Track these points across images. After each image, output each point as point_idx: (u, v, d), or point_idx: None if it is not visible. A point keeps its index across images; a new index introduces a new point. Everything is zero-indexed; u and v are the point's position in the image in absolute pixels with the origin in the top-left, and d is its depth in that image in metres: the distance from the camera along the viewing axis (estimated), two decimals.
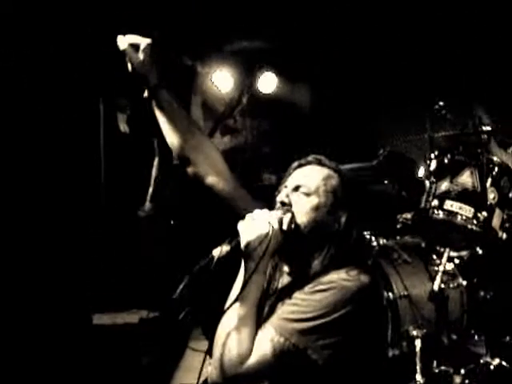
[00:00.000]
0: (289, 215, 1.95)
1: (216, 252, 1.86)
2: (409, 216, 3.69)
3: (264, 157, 5.55)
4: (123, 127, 4.58)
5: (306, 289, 1.89)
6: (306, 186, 1.99)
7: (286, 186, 2.05)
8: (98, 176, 4.42)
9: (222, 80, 5.30)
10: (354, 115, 5.27)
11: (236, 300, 1.85)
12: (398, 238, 3.85)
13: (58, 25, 3.96)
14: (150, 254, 3.95)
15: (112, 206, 4.54)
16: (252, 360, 1.80)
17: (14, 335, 3.94)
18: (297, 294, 1.90)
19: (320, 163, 2.06)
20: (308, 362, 1.81)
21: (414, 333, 3.31)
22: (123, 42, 2.01)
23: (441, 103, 3.44)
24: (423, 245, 3.68)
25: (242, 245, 1.87)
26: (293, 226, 1.95)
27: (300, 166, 2.08)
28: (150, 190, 4.12)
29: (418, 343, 3.28)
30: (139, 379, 4.06)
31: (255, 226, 1.88)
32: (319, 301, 1.84)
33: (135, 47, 2.02)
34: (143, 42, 2.03)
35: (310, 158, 2.08)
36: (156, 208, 4.01)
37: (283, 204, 1.99)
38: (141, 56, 2.03)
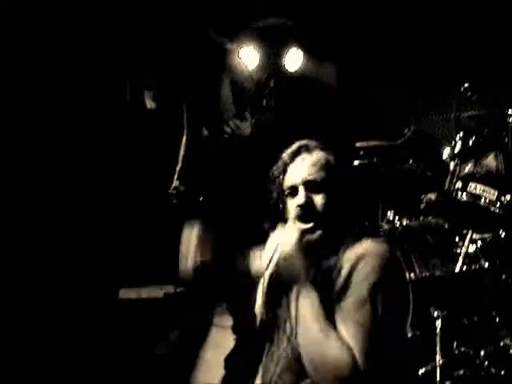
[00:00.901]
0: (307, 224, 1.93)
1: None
2: (433, 197, 3.69)
3: (290, 135, 5.52)
4: (150, 104, 4.62)
5: (342, 273, 1.88)
6: (313, 182, 1.95)
7: (290, 186, 2.00)
8: (124, 155, 4.48)
9: (248, 56, 5.29)
10: (380, 94, 5.23)
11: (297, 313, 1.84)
12: (421, 218, 3.84)
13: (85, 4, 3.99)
14: (179, 232, 4.00)
15: (139, 184, 4.61)
16: (362, 360, 1.75)
17: (43, 310, 4.06)
18: (337, 284, 1.88)
19: (308, 149, 2.01)
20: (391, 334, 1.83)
21: (435, 313, 3.33)
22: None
23: (466, 84, 3.41)
24: (446, 226, 3.67)
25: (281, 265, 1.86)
26: (315, 230, 1.93)
27: (293, 157, 2.02)
28: (178, 168, 4.16)
29: (438, 324, 3.30)
30: (165, 355, 4.15)
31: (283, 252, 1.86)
32: (361, 279, 1.83)
33: None
34: None
35: (300, 147, 2.02)
36: (184, 186, 4.06)
37: (301, 207, 1.94)
38: None
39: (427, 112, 4.73)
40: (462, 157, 3.45)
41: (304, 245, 1.88)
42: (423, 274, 3.40)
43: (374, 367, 1.76)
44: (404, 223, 3.68)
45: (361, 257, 1.87)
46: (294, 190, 1.98)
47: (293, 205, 1.97)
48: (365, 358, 1.75)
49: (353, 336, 1.78)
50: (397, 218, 3.67)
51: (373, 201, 2.12)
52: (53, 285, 4.18)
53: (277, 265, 1.85)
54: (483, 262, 3.50)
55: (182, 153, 4.08)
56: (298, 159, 2.00)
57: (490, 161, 3.35)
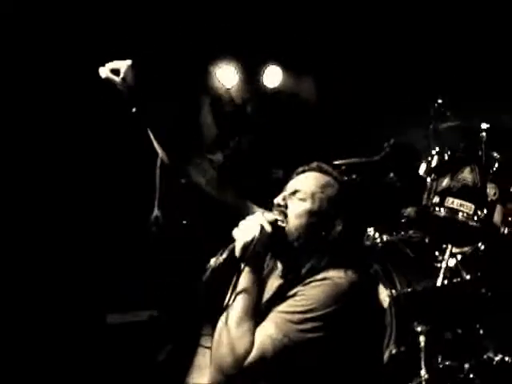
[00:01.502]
0: (280, 217, 2.03)
1: (213, 261, 1.96)
2: (412, 211, 3.71)
3: (270, 151, 5.55)
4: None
5: (301, 284, 1.96)
6: (303, 191, 2.07)
7: (285, 190, 2.12)
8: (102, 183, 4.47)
9: (227, 75, 5.30)
10: (359, 108, 5.26)
11: (233, 298, 1.93)
12: (402, 233, 3.87)
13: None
14: (162, 255, 3.99)
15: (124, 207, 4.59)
16: (253, 357, 1.84)
17: (31, 335, 4.04)
18: (293, 289, 1.96)
19: (321, 170, 2.14)
20: (304, 357, 1.86)
21: (419, 328, 3.35)
22: (104, 70, 2.08)
23: (440, 100, 3.45)
24: (427, 240, 3.69)
25: (237, 248, 1.95)
26: (285, 227, 2.02)
27: (302, 171, 2.16)
28: (156, 197, 4.12)
29: (422, 339, 3.32)
30: (152, 377, 4.13)
31: (247, 228, 1.97)
32: (313, 295, 1.90)
33: (116, 72, 2.08)
34: (123, 65, 2.08)
35: (312, 165, 2.16)
36: (165, 214, 4.03)
37: (279, 205, 2.07)
38: (123, 78, 2.08)
39: (406, 125, 4.74)
40: (438, 172, 3.47)
41: (267, 232, 1.96)
42: (405, 290, 3.41)
43: (256, 372, 1.84)
44: (384, 239, 3.70)
45: (328, 282, 1.93)
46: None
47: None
48: (252, 367, 1.83)
49: (264, 335, 1.85)
50: (377, 234, 3.68)
51: (352, 222, 2.12)
52: (39, 311, 4.16)
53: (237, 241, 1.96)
54: (464, 275, 3.53)
55: (157, 183, 4.05)
56: (306, 174, 2.14)
57: (466, 175, 3.38)
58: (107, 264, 4.58)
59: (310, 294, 1.92)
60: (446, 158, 3.48)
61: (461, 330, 3.46)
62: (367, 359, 2.09)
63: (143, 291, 4.57)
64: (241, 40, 5.30)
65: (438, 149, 3.56)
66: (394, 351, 3.37)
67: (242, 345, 1.85)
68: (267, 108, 5.52)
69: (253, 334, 1.87)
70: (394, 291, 3.40)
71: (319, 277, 1.96)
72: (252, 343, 1.85)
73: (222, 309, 1.96)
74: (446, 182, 3.43)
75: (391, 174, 4.20)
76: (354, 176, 4.05)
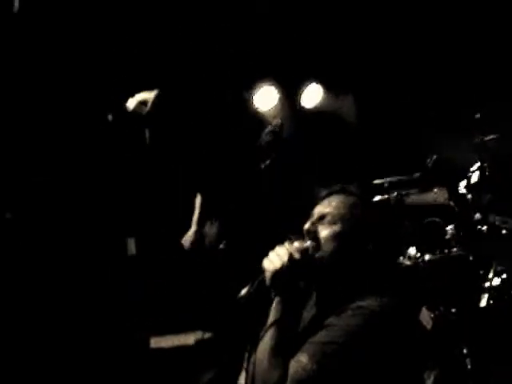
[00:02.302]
0: (311, 244, 1.98)
1: (244, 292, 1.96)
2: (455, 228, 3.61)
3: (311, 171, 5.50)
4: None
5: (335, 314, 1.90)
6: (331, 215, 2.01)
7: (312, 216, 2.07)
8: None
9: (267, 96, 5.30)
10: (400, 125, 5.17)
11: (266, 330, 1.88)
12: (445, 251, 3.75)
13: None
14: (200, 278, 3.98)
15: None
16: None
17: (74, 359, 4.06)
18: (327, 320, 1.90)
19: (346, 192, 2.09)
20: None
21: (464, 351, 3.22)
22: (132, 102, 2.07)
23: (477, 116, 3.35)
24: (471, 258, 3.57)
25: (267, 277, 1.92)
26: (317, 255, 1.96)
27: (327, 195, 2.11)
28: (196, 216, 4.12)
29: (468, 362, 3.19)
30: None
31: (276, 257, 1.93)
32: (347, 325, 1.84)
33: (144, 103, 2.08)
34: (150, 96, 2.07)
35: (335, 187, 2.12)
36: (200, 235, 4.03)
37: (308, 232, 2.02)
38: (149, 112, 2.07)
39: (449, 139, 4.63)
40: (479, 187, 3.36)
41: (298, 261, 1.92)
42: (448, 311, 3.29)
43: None
44: (427, 258, 3.59)
45: (362, 311, 1.86)
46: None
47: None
48: None
49: (298, 367, 1.79)
50: (418, 253, 3.58)
51: (383, 242, 2.07)
52: (84, 336, 4.18)
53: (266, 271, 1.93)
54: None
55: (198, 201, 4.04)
56: (332, 197, 2.09)
57: (507, 190, 3.26)
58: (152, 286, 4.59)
59: (344, 325, 1.85)
60: (487, 173, 3.36)
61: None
62: None
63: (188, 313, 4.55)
64: (280, 60, 5.30)
65: (478, 164, 3.45)
66: (438, 375, 3.24)
67: (272, 379, 1.80)
68: (306, 127, 5.49)
69: (285, 367, 1.81)
70: (437, 312, 3.27)
71: (354, 306, 1.89)
72: (283, 377, 1.79)
73: (257, 340, 1.91)
74: (487, 197, 3.31)
75: (435, 190, 4.11)
76: (392, 194, 3.97)
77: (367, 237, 2.00)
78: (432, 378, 3.26)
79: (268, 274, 1.92)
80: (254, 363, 1.87)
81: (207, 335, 4.59)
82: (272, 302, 1.94)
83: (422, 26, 4.85)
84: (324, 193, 2.12)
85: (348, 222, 2.00)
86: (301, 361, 1.81)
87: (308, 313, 2.09)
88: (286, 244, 1.97)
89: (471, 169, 3.44)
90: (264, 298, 1.97)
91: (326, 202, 2.09)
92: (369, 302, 1.89)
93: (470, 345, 3.23)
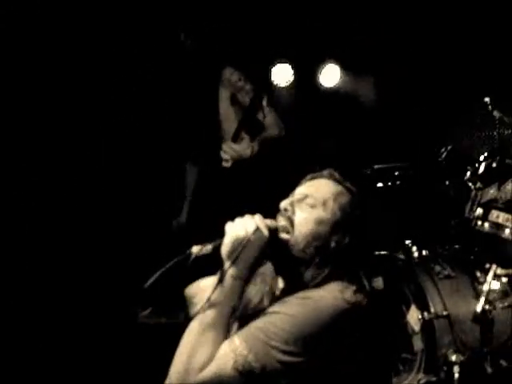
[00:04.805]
0: (283, 224, 1.84)
1: (195, 249, 1.77)
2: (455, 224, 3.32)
3: (325, 151, 5.27)
4: None
5: (282, 300, 1.75)
6: (314, 197, 1.88)
7: (293, 195, 1.93)
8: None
9: (282, 72, 5.09)
10: (419, 111, 4.88)
11: (209, 301, 1.70)
12: (446, 247, 3.47)
13: None
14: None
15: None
16: (210, 370, 1.60)
17: (61, 331, 3.96)
18: (274, 305, 1.76)
19: (335, 179, 1.95)
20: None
21: (453, 358, 2.96)
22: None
23: (486, 99, 3.03)
24: (472, 258, 3.27)
25: (225, 243, 1.75)
26: (288, 235, 1.82)
27: (313, 178, 1.98)
28: (187, 200, 3.91)
29: (456, 370, 2.92)
30: None
31: (240, 227, 1.76)
32: (289, 315, 1.67)
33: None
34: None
35: (325, 172, 1.98)
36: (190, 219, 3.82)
37: (285, 210, 1.87)
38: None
39: (469, 129, 4.32)
40: (484, 180, 3.05)
41: (262, 237, 1.76)
42: (439, 313, 3.01)
43: None
44: (424, 253, 3.31)
45: (309, 302, 1.71)
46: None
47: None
48: (207, 380, 1.59)
49: (228, 349, 1.62)
50: (414, 247, 3.30)
51: (361, 236, 1.86)
52: (70, 308, 4.08)
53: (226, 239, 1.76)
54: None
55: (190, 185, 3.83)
56: (318, 180, 1.97)
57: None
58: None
59: (287, 314, 1.68)
60: (495, 165, 3.05)
61: (505, 363, 3.01)
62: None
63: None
64: (298, 39, 5.08)
65: (486, 154, 3.14)
66: (423, 381, 2.98)
67: (200, 355, 1.62)
68: (323, 107, 5.25)
69: (216, 345, 1.63)
70: (426, 314, 3.00)
71: (303, 295, 1.74)
72: (211, 355, 1.62)
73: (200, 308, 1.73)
74: (492, 192, 3.01)
75: (447, 182, 3.82)
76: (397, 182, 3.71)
77: (345, 230, 1.85)
78: None
79: (227, 240, 1.74)
80: (186, 335, 1.68)
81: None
82: (222, 272, 1.74)
83: (443, 13, 4.56)
84: (311, 175, 1.98)
85: (329, 209, 1.85)
86: (233, 343, 1.63)
87: (257, 292, 1.96)
88: (257, 216, 1.80)
89: (480, 158, 3.13)
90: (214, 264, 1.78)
91: (309, 183, 1.96)
92: (322, 294, 1.74)
93: (459, 352, 2.96)
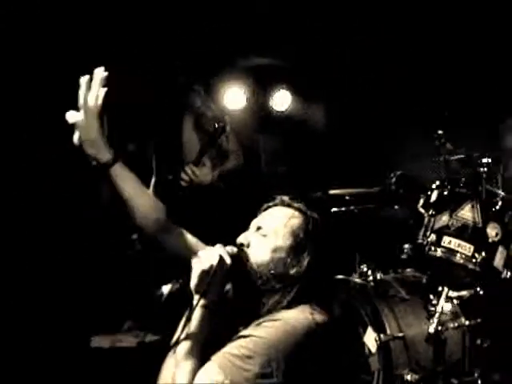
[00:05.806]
0: (244, 252, 1.93)
1: (165, 288, 1.87)
2: (409, 248, 3.46)
3: (277, 176, 5.38)
4: None
5: (253, 324, 1.83)
6: (265, 227, 1.98)
7: (249, 228, 2.04)
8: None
9: (234, 98, 5.17)
10: (367, 135, 5.05)
11: (182, 333, 1.78)
12: (399, 271, 3.61)
13: None
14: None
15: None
16: None
17: (12, 355, 3.89)
18: (246, 329, 1.84)
19: (284, 204, 2.06)
20: None
21: (408, 377, 3.08)
22: (72, 116, 1.92)
23: (440, 132, 3.21)
24: (424, 281, 3.43)
25: (193, 277, 1.84)
26: (248, 264, 1.91)
27: (268, 207, 2.08)
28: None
29: None
30: None
31: (204, 260, 1.84)
32: (262, 337, 1.75)
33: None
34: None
35: (276, 201, 2.08)
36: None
37: (241, 245, 1.97)
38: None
39: (417, 155, 4.50)
40: (436, 207, 3.22)
41: (224, 266, 1.85)
42: (395, 334, 3.14)
43: None
44: (378, 277, 3.44)
45: (280, 324, 1.80)
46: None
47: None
48: None
49: (203, 376, 1.70)
50: (370, 271, 3.43)
51: (321, 256, 1.95)
52: (21, 331, 4.02)
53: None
54: (463, 320, 3.23)
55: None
56: (271, 210, 2.07)
57: (466, 212, 3.12)
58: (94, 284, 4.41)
59: (259, 337, 1.76)
60: (446, 192, 3.22)
61: (456, 381, 3.16)
62: None
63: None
64: (251, 64, 5.18)
65: (438, 182, 3.31)
66: None
67: None
68: (273, 130, 5.36)
69: (193, 375, 1.72)
70: (382, 335, 3.12)
71: (273, 317, 1.83)
72: None
73: (173, 343, 1.82)
74: (444, 219, 3.17)
75: (396, 206, 3.98)
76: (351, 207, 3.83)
77: (303, 249, 1.94)
78: None
79: (194, 273, 1.83)
80: (164, 367, 1.80)
81: (151, 338, 4.42)
82: (191, 305, 1.83)
83: (393, 37, 4.74)
84: (264, 206, 2.09)
85: (281, 236, 1.95)
86: (208, 370, 1.71)
87: (232, 321, 1.99)
88: (218, 246, 1.89)
89: (432, 186, 3.29)
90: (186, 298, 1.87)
91: (264, 213, 2.06)
92: (292, 315, 1.83)
93: (414, 372, 3.09)
